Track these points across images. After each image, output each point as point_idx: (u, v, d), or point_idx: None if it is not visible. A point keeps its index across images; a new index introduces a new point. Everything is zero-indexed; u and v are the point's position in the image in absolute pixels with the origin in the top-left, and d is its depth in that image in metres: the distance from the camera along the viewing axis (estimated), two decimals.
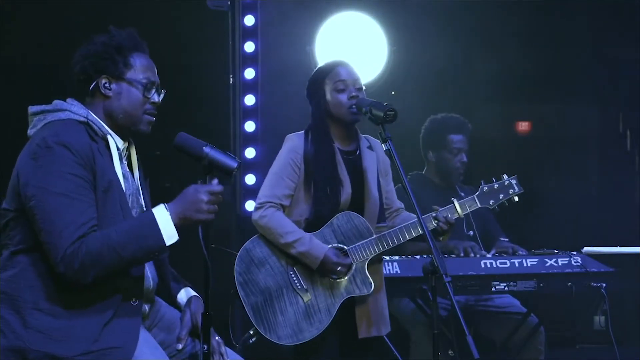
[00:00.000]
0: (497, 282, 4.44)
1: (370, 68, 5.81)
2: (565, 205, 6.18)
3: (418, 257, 4.44)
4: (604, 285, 4.44)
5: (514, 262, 4.51)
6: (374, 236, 3.98)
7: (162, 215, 2.88)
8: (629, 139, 6.52)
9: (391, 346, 4.33)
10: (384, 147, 3.57)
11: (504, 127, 6.64)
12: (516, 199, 4.12)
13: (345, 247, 3.96)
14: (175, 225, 2.87)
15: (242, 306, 3.90)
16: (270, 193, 3.98)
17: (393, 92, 5.97)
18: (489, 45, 6.23)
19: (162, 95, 3.14)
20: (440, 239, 4.03)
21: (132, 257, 2.87)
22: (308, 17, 5.79)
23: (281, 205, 3.98)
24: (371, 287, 3.96)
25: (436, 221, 3.95)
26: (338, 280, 3.94)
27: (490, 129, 6.31)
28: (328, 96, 4.04)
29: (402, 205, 4.26)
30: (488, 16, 6.10)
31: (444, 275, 3.27)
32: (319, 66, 4.26)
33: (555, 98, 6.34)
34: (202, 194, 2.88)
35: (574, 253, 4.57)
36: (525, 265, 4.50)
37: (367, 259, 3.97)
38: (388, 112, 3.68)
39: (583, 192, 6.42)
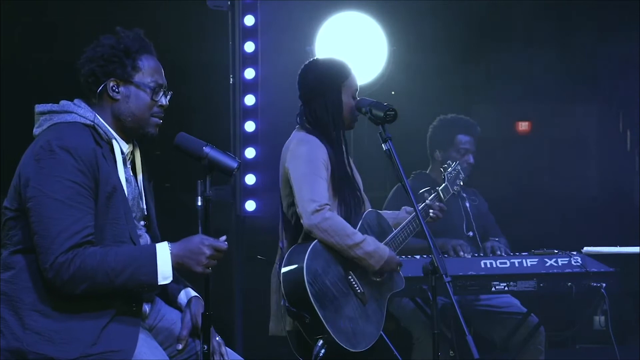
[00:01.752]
0: (497, 282, 4.44)
1: (370, 68, 5.80)
2: (565, 205, 6.19)
3: (418, 257, 4.44)
4: (604, 285, 4.44)
5: (514, 262, 4.51)
6: (396, 230, 3.98)
7: (163, 254, 2.89)
8: (629, 139, 6.52)
9: (391, 346, 4.32)
10: (384, 147, 3.56)
11: (504, 127, 6.64)
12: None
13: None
14: (172, 266, 2.89)
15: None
16: (320, 195, 3.75)
17: (393, 92, 5.97)
18: (489, 45, 6.23)
19: (169, 97, 3.13)
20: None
21: (122, 285, 2.86)
22: (308, 17, 5.79)
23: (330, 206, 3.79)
24: (403, 283, 3.97)
25: (431, 210, 4.04)
26: (379, 280, 3.89)
27: (490, 129, 6.31)
28: (345, 99, 3.95)
29: None
30: (488, 16, 6.10)
31: (444, 275, 3.28)
32: (327, 63, 4.05)
33: (555, 98, 6.34)
34: (206, 248, 2.89)
35: (574, 253, 4.56)
36: (525, 265, 4.50)
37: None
38: (388, 112, 3.68)
39: (583, 192, 6.42)
